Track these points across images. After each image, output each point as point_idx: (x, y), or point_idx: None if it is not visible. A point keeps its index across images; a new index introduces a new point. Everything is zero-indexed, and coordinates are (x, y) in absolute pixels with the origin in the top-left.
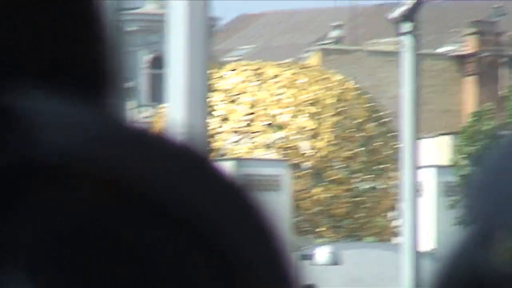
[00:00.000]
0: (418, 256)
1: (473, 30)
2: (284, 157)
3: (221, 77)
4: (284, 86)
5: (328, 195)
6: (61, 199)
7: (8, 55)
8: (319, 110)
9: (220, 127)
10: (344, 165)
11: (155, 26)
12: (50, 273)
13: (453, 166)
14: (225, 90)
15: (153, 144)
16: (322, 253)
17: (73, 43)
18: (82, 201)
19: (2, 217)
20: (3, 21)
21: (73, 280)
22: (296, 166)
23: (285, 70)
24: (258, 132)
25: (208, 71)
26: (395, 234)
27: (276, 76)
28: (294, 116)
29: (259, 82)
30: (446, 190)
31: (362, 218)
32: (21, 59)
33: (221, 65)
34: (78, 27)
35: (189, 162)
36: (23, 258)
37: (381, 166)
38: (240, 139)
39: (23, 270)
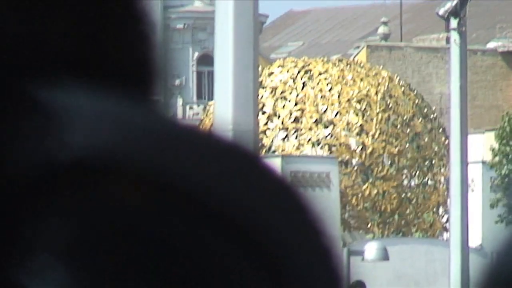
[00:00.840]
0: (467, 251)
1: None
2: (332, 153)
3: (269, 74)
4: (331, 83)
5: (377, 191)
6: (101, 197)
7: (49, 51)
8: (367, 106)
9: (268, 123)
10: (392, 161)
11: (203, 23)
12: (86, 266)
13: (493, 165)
14: (273, 87)
15: (200, 142)
16: (371, 249)
17: (117, 40)
18: (123, 199)
19: (44, 210)
20: (44, 16)
21: (107, 273)
22: (344, 163)
23: (332, 67)
24: (305, 129)
25: (256, 68)
26: (444, 230)
27: (323, 72)
28: (342, 113)
29: (307, 78)
30: (492, 186)
31: (411, 214)
32: (63, 56)
33: (269, 62)
34: (123, 24)
35: (238, 160)
36: (60, 250)
37: (429, 162)
38: (288, 136)
39: (59, 260)
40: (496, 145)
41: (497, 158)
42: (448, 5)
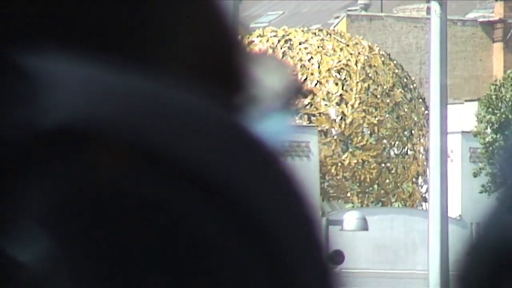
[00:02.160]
0: (446, 221)
1: None
2: (311, 123)
3: (249, 43)
4: (311, 52)
5: (356, 161)
6: (85, 163)
7: (35, 16)
8: (347, 76)
9: None
10: (372, 131)
11: None
12: (69, 233)
13: (477, 134)
14: None
15: (185, 111)
16: (350, 219)
17: (109, 11)
18: (107, 166)
19: (27, 177)
20: None
21: (90, 240)
22: (323, 132)
23: (312, 36)
24: None
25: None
26: (423, 200)
27: (303, 42)
28: (322, 82)
29: (287, 48)
30: (473, 156)
31: (390, 184)
32: (48, 22)
33: (249, 31)
34: None
35: (224, 128)
36: (42, 217)
37: (409, 132)
38: None
39: (41, 227)
40: (481, 112)
41: (482, 126)
42: None
